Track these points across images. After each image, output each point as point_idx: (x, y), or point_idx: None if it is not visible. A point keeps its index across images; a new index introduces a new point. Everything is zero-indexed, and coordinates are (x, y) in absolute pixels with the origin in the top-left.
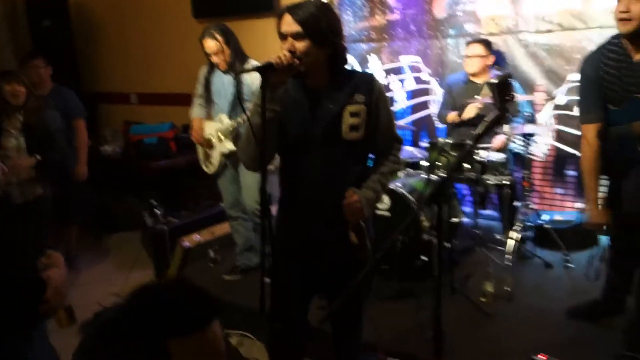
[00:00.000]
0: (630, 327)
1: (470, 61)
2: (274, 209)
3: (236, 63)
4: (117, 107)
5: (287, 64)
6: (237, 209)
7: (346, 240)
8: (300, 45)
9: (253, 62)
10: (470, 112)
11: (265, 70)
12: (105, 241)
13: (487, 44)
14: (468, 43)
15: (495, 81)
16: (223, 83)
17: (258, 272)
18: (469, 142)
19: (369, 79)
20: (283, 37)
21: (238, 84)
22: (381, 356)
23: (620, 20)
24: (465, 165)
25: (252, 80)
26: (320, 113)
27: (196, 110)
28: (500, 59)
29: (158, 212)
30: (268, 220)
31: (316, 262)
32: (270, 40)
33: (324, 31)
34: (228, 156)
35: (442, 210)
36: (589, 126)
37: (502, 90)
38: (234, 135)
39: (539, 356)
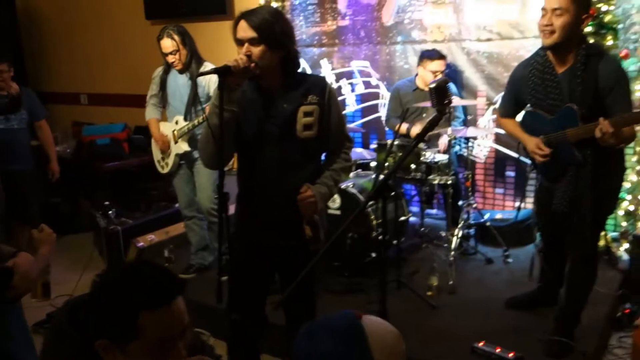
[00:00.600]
0: (560, 316)
1: (430, 76)
2: (231, 208)
3: (192, 64)
4: (66, 108)
5: (243, 67)
6: (192, 208)
7: (301, 233)
8: (256, 49)
9: (208, 65)
10: (417, 131)
11: (222, 72)
12: (56, 242)
13: (444, 57)
14: (427, 58)
15: (433, 85)
16: (178, 85)
17: (212, 271)
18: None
19: (321, 81)
20: (239, 42)
21: (194, 86)
22: (357, 314)
23: (543, 32)
24: (412, 165)
25: (207, 82)
26: (276, 112)
27: (151, 111)
28: (451, 70)
29: (111, 213)
30: (225, 216)
31: (272, 254)
32: (223, 42)
33: (277, 36)
34: (182, 157)
35: (386, 205)
36: (500, 117)
37: (440, 94)
38: (189, 136)
39: (480, 344)
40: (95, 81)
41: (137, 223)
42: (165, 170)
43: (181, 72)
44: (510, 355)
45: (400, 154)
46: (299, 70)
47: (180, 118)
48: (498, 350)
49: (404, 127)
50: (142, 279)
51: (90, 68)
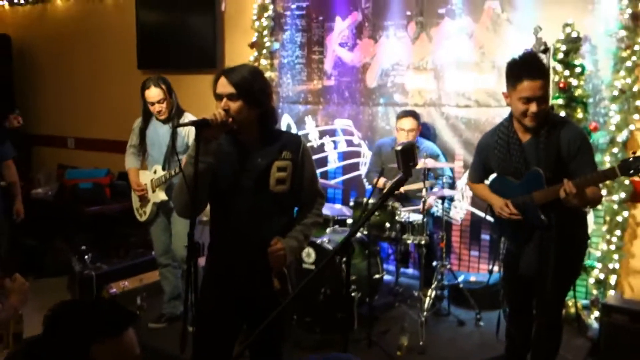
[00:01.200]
0: None
1: (402, 134)
2: (203, 259)
3: (175, 114)
4: (53, 150)
5: (221, 122)
6: (167, 256)
7: (270, 285)
8: (234, 105)
9: (189, 116)
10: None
11: (200, 125)
12: (30, 286)
13: (416, 116)
14: (400, 117)
15: (399, 148)
16: (158, 134)
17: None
18: (392, 202)
19: (296, 139)
20: (218, 97)
21: (174, 136)
22: None
23: (531, 117)
24: (387, 224)
25: (187, 133)
26: (250, 166)
27: (131, 160)
28: (426, 130)
29: (87, 257)
30: (194, 264)
31: (241, 305)
32: (210, 95)
33: (255, 94)
34: (160, 206)
35: (350, 260)
36: (470, 182)
37: (406, 157)
38: (166, 185)
39: None
40: (84, 125)
41: (112, 269)
42: (144, 218)
43: (165, 122)
44: None
45: (376, 212)
46: (277, 126)
47: (159, 167)
48: None
49: (381, 181)
50: (93, 311)
51: (79, 112)
